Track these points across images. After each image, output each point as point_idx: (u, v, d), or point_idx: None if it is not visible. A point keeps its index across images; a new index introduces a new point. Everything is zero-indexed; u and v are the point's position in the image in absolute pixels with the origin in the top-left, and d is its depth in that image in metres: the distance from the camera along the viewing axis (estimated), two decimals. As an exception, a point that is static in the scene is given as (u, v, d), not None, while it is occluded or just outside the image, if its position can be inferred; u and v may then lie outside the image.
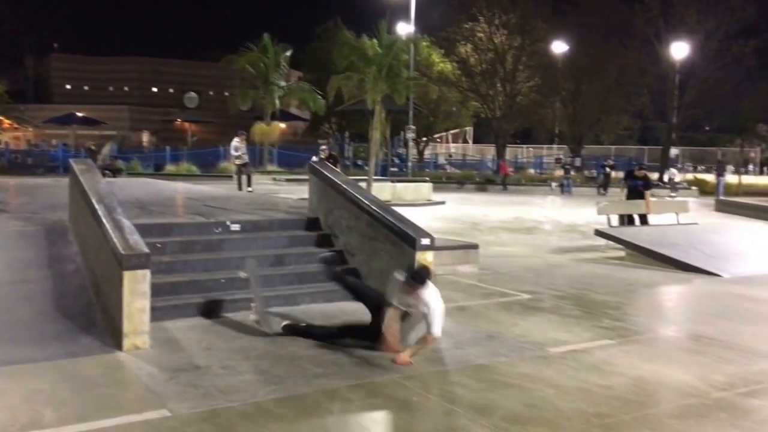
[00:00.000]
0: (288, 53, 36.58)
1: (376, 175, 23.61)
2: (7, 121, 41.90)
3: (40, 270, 7.21)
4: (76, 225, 8.12)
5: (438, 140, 59.43)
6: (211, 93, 68.69)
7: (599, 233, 12.09)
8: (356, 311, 7.10)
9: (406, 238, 7.21)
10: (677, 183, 33.39)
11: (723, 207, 22.71)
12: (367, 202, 8.05)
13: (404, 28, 31.39)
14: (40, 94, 69.76)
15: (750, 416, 4.53)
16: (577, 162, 40.46)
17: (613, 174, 31.58)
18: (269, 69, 34.95)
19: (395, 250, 7.37)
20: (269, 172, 32.28)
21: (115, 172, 25.12)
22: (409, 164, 34.17)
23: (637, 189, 13.68)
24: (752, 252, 11.49)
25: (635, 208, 13.46)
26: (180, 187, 16.79)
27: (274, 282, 7.45)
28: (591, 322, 6.96)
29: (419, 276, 5.50)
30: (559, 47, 42.36)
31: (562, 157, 41.88)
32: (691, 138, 50.42)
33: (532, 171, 46.13)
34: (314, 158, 20.57)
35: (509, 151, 51.50)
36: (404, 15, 32.19)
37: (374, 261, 7.74)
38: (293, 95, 37.58)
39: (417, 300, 5.41)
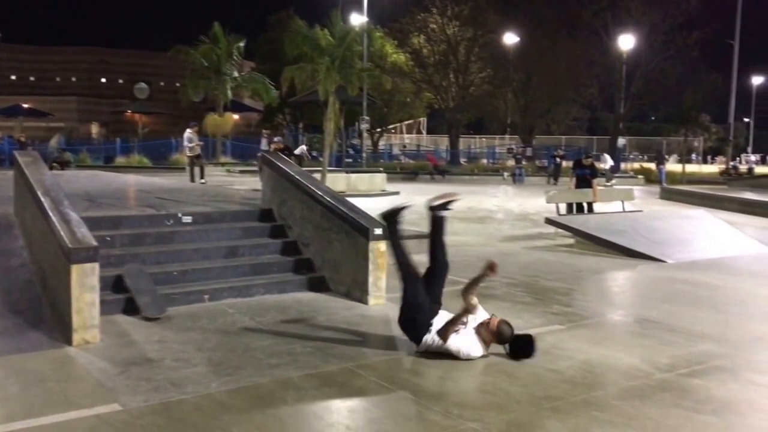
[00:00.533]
0: (241, 44, 36.18)
1: (330, 166, 23.57)
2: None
3: (-15, 265, 7.03)
4: (22, 219, 7.93)
5: (392, 131, 59.59)
6: (162, 84, 67.58)
7: (549, 221, 12.32)
8: (311, 301, 7.15)
9: (359, 228, 7.24)
10: (607, 170, 33.91)
11: (668, 195, 23.33)
12: (320, 192, 8.06)
13: (358, 19, 31.35)
14: (-16, 85, 67.76)
15: (691, 395, 4.70)
16: (529, 152, 41.01)
17: (564, 164, 32.10)
18: (221, 59, 34.51)
19: (349, 241, 7.40)
20: (223, 164, 32.00)
21: (64, 165, 24.60)
22: (364, 155, 34.22)
23: (584, 177, 13.99)
24: (695, 238, 11.84)
25: (583, 196, 13.77)
26: (131, 179, 16.51)
27: (227, 274, 7.42)
28: (541, 309, 7.10)
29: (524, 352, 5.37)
30: (510, 39, 42.85)
31: (513, 147, 42.40)
32: (638, 128, 51.68)
33: (485, 161, 46.65)
34: (262, 144, 20.45)
35: (462, 142, 52.00)
36: (357, 5, 32.20)
37: (328, 251, 7.77)
38: (246, 86, 37.21)
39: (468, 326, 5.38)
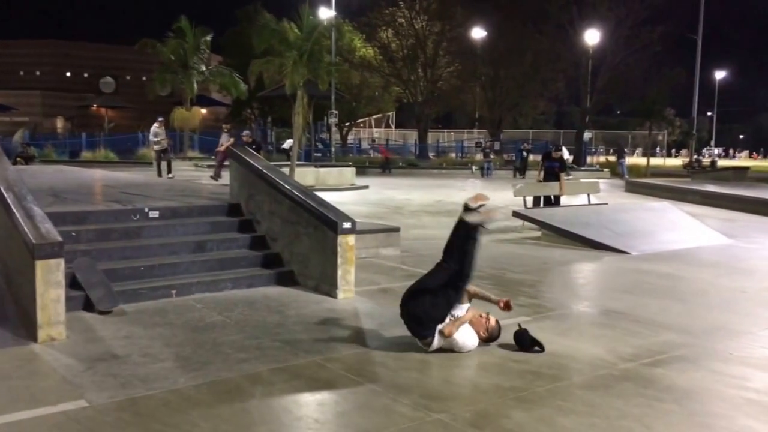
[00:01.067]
0: (208, 37, 35.73)
1: (299, 160, 23.51)
2: None
3: (-54, 262, 6.90)
4: (-16, 215, 7.79)
5: (361, 125, 59.57)
6: (128, 78, 66.57)
7: (516, 214, 12.45)
8: (280, 295, 7.14)
9: (327, 222, 7.25)
10: (570, 164, 34.23)
11: (633, 188, 23.70)
12: (288, 186, 8.04)
13: (326, 13, 31.23)
14: (-57, 78, 65.98)
15: (653, 385, 4.81)
16: (496, 146, 41.30)
17: (531, 157, 32.34)
18: (188, 53, 34.07)
19: (317, 234, 7.41)
20: (190, 158, 31.66)
21: (28, 160, 24.17)
22: (333, 149, 34.14)
23: (553, 170, 14.22)
24: (659, 230, 12.06)
25: (549, 189, 13.95)
26: (97, 174, 16.29)
27: (195, 269, 7.38)
28: (508, 301, 7.17)
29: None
30: (478, 33, 43.05)
31: (482, 141, 42.65)
32: (604, 122, 52.25)
33: (453, 155, 46.85)
34: (222, 139, 20.38)
35: (431, 136, 52.15)
36: (325, -1, 32.02)
37: (296, 245, 7.77)
38: (214, 80, 36.81)
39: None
